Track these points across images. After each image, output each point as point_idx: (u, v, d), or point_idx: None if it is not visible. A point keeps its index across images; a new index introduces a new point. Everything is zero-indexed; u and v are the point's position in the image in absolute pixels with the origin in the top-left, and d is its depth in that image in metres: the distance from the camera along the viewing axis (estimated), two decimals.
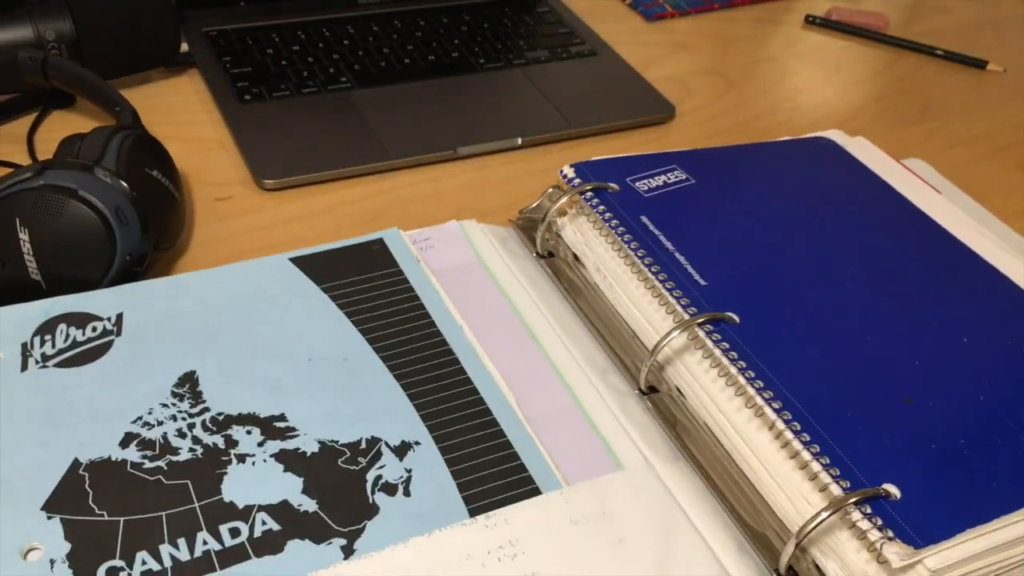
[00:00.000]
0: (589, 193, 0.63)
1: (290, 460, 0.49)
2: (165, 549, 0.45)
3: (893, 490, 0.47)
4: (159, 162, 0.62)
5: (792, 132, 0.79)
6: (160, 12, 0.76)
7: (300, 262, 0.61)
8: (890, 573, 0.45)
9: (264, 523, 0.46)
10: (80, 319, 0.55)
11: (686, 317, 0.55)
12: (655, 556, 0.48)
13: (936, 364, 0.55)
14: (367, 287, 0.60)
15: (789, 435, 0.49)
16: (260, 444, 0.50)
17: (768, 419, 0.50)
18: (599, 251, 0.62)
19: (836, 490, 0.47)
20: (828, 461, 0.48)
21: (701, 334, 0.54)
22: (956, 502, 0.47)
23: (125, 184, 0.56)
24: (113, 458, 0.48)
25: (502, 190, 0.74)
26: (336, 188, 0.72)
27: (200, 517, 0.46)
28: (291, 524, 0.47)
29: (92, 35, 0.73)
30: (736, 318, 0.55)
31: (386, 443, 0.51)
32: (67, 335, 0.54)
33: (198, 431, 0.50)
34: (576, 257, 0.64)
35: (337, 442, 0.51)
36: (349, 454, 0.50)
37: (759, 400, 0.51)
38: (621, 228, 0.61)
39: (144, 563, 0.44)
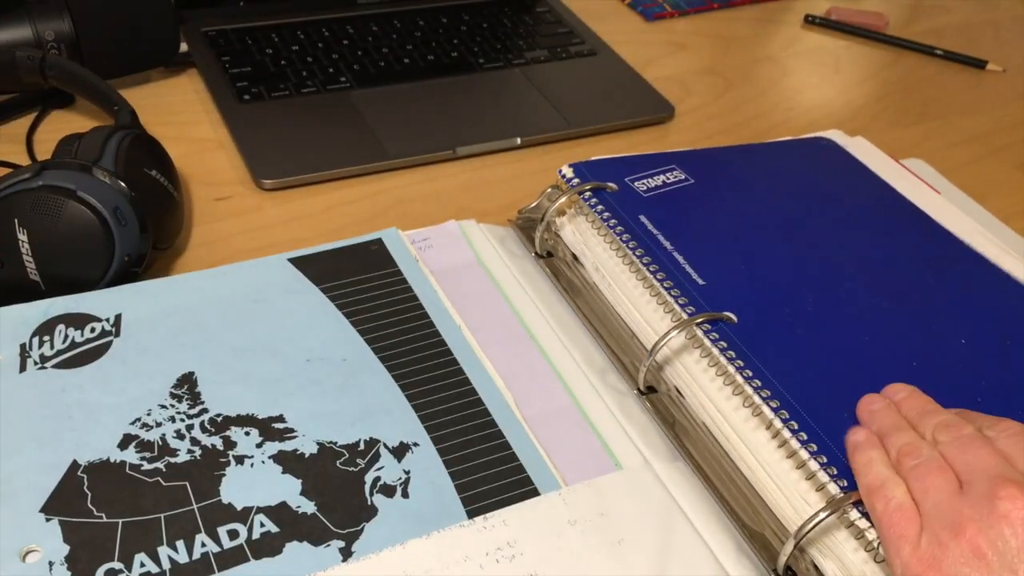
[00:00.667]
0: (588, 193, 0.63)
1: (288, 461, 0.49)
2: (163, 551, 0.45)
3: None
4: (158, 162, 0.62)
5: (791, 132, 0.79)
6: (159, 12, 0.76)
7: (299, 262, 0.61)
8: (888, 573, 0.45)
9: (262, 525, 0.46)
10: (79, 320, 0.55)
11: (684, 317, 0.55)
12: (653, 557, 0.48)
13: (934, 364, 0.55)
14: (366, 287, 0.60)
15: (787, 434, 0.49)
16: (259, 445, 0.50)
17: (766, 418, 0.50)
18: (598, 251, 0.62)
19: (834, 489, 0.47)
20: (826, 460, 0.48)
21: (699, 334, 0.54)
22: None
23: (123, 184, 0.56)
24: (112, 459, 0.48)
25: (501, 190, 0.74)
26: (335, 188, 0.72)
27: (199, 519, 0.46)
28: (289, 526, 0.47)
29: (91, 35, 0.73)
30: (734, 318, 0.55)
31: (384, 444, 0.51)
32: (66, 336, 0.54)
33: (196, 432, 0.50)
34: (575, 257, 0.64)
35: (336, 443, 0.51)
36: (348, 455, 0.50)
37: (757, 399, 0.51)
38: (620, 228, 0.61)
39: (143, 565, 0.44)
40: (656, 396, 0.57)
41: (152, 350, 0.54)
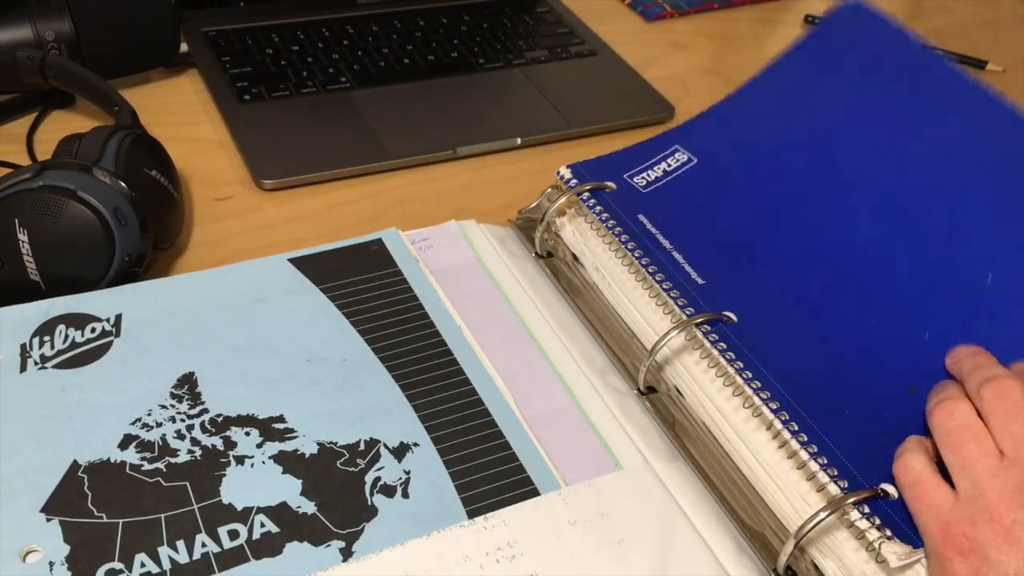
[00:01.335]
0: (586, 194, 0.63)
1: (289, 462, 0.49)
2: (164, 551, 0.45)
3: (891, 490, 0.47)
4: (158, 162, 0.62)
5: None
6: (160, 12, 0.76)
7: (299, 262, 0.61)
8: (889, 573, 0.45)
9: (263, 525, 0.46)
10: (79, 320, 0.55)
11: (684, 317, 0.55)
12: (654, 556, 0.48)
13: (942, 350, 0.53)
14: (366, 287, 0.60)
15: (787, 435, 0.49)
16: (259, 445, 0.50)
17: (766, 419, 0.50)
18: (597, 251, 0.62)
19: (834, 490, 0.47)
20: (826, 461, 0.48)
21: (699, 334, 0.54)
22: None
23: (124, 184, 0.56)
24: (112, 460, 0.48)
25: (501, 190, 0.74)
26: (335, 188, 0.72)
27: (199, 519, 0.46)
28: (290, 526, 0.47)
29: (91, 35, 0.73)
30: (734, 317, 0.55)
31: (385, 444, 0.51)
32: (66, 336, 0.54)
33: (197, 432, 0.50)
34: (575, 257, 0.64)
35: (336, 443, 0.51)
36: (348, 455, 0.50)
37: (756, 400, 0.51)
38: (618, 228, 0.61)
39: (143, 565, 0.44)
40: (656, 396, 0.57)
41: (152, 350, 0.54)
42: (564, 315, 0.62)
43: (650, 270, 0.58)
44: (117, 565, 0.44)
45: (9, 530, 0.45)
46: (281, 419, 0.51)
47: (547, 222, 0.65)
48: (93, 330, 0.54)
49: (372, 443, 0.51)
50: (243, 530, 0.46)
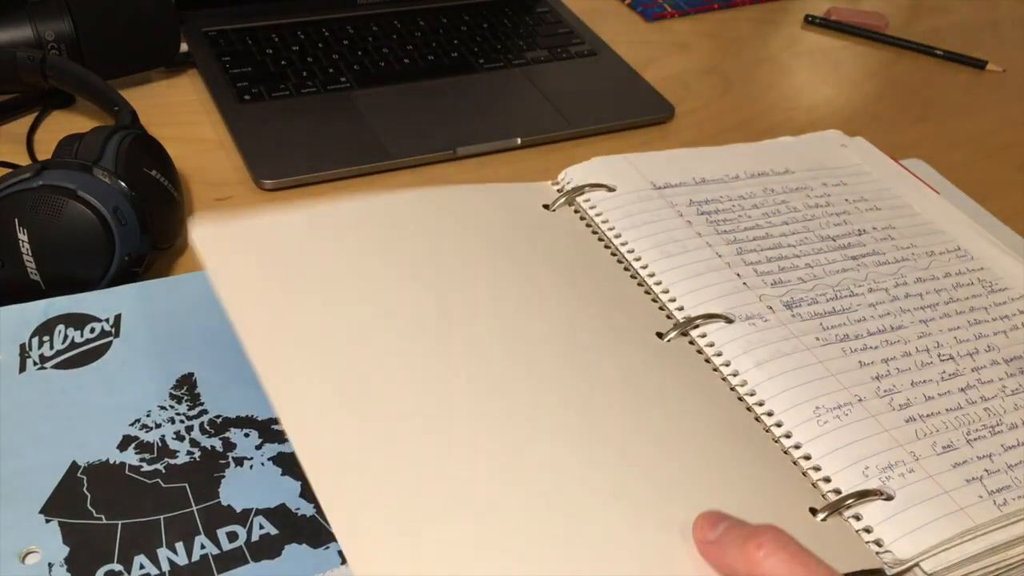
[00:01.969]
0: (577, 192, 0.63)
1: (288, 463, 0.49)
2: (163, 553, 0.45)
3: (887, 492, 0.47)
4: (158, 162, 0.62)
5: (791, 132, 0.79)
6: (160, 12, 0.76)
7: None
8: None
9: (262, 527, 0.46)
10: (78, 320, 0.55)
11: (680, 320, 0.55)
12: None
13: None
14: None
15: (777, 435, 0.50)
16: (258, 447, 0.50)
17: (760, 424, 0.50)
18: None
19: (834, 487, 0.47)
20: (817, 464, 0.48)
21: (693, 335, 0.54)
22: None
23: (124, 184, 0.56)
24: (111, 461, 0.48)
25: None
26: (335, 188, 0.72)
27: (198, 521, 0.46)
28: (289, 528, 0.47)
29: (91, 35, 0.73)
30: (729, 318, 0.55)
31: None
32: (65, 336, 0.54)
33: (196, 434, 0.50)
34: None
35: None
36: None
37: (748, 400, 0.51)
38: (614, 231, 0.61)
39: (142, 567, 0.44)
40: None
41: (151, 351, 0.54)
42: None
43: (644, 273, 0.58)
44: (116, 567, 0.44)
45: (8, 531, 0.45)
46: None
47: None
48: (92, 330, 0.54)
49: None
50: (242, 532, 0.46)
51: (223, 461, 0.49)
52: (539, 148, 0.79)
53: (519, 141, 0.79)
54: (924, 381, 0.54)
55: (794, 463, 0.49)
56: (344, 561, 0.46)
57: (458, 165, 0.76)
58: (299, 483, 0.48)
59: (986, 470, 0.49)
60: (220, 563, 0.45)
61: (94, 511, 0.46)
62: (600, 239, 0.61)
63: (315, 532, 0.47)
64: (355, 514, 0.40)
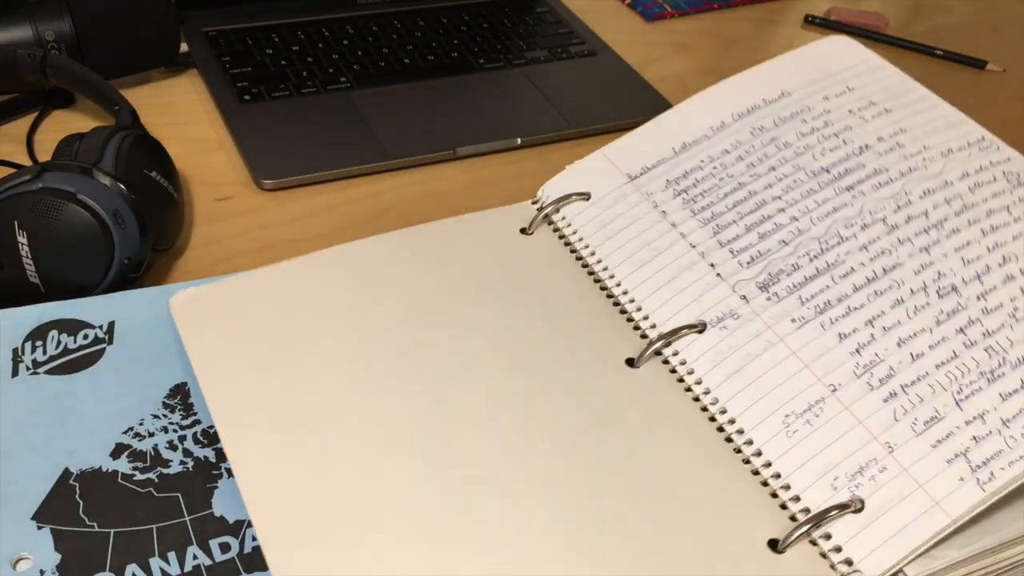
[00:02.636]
0: (553, 210, 0.63)
1: None
2: (155, 562, 0.45)
3: (855, 503, 0.46)
4: (158, 163, 0.62)
5: None
6: (160, 12, 0.76)
7: None
8: None
9: (254, 539, 0.46)
10: (72, 326, 0.54)
11: (652, 338, 0.55)
12: None
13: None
14: None
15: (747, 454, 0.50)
16: None
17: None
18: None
19: (803, 506, 0.47)
20: (786, 483, 0.48)
21: (666, 354, 0.54)
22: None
23: (123, 187, 0.56)
24: (104, 468, 0.48)
25: (502, 190, 0.74)
26: (336, 188, 0.72)
27: (191, 531, 0.46)
28: None
29: (91, 35, 0.73)
30: (696, 333, 0.54)
31: None
32: (58, 342, 0.53)
33: (189, 444, 0.50)
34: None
35: None
36: None
37: (719, 419, 0.51)
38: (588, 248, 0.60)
39: None
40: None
41: (145, 359, 0.54)
42: None
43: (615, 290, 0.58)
44: (108, 575, 0.44)
45: (0, 537, 0.45)
46: None
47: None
48: (86, 336, 0.54)
49: None
50: (235, 543, 0.46)
51: (216, 472, 0.49)
52: (539, 148, 0.79)
53: (519, 141, 0.79)
54: (914, 335, 0.51)
55: (764, 484, 0.48)
56: None
57: (458, 165, 0.76)
58: None
59: (974, 437, 0.47)
60: (212, 574, 0.45)
61: (86, 519, 0.46)
62: (578, 257, 0.61)
63: None
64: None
